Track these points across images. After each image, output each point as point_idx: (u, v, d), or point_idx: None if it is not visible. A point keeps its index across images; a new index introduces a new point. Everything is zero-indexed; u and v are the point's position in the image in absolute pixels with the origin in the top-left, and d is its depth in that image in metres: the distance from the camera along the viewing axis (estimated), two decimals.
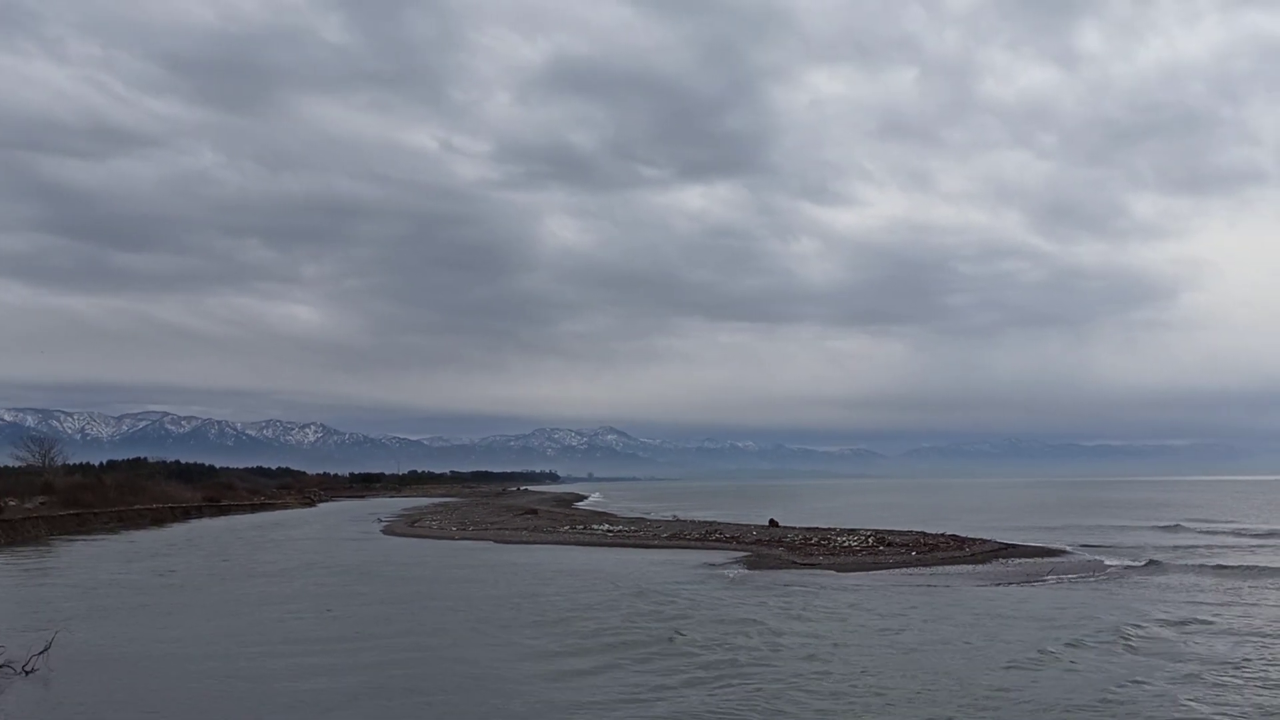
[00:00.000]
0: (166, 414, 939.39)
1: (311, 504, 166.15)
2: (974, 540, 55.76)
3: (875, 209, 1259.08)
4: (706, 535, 66.34)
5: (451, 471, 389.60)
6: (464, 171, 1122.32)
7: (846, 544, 55.24)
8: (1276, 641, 26.66)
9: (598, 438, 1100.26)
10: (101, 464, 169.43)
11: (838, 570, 45.67)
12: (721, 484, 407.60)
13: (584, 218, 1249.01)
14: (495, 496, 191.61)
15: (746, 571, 46.29)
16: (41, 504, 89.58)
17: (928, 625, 29.73)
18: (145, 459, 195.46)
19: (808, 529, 67.16)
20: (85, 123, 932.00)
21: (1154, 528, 76.03)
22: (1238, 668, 23.33)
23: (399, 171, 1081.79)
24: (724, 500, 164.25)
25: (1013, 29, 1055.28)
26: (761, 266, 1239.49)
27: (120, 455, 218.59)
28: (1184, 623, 29.46)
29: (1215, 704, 20.09)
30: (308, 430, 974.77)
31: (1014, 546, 53.49)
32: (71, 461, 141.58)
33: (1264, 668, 23.33)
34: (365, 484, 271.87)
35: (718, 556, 53.29)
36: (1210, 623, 29.60)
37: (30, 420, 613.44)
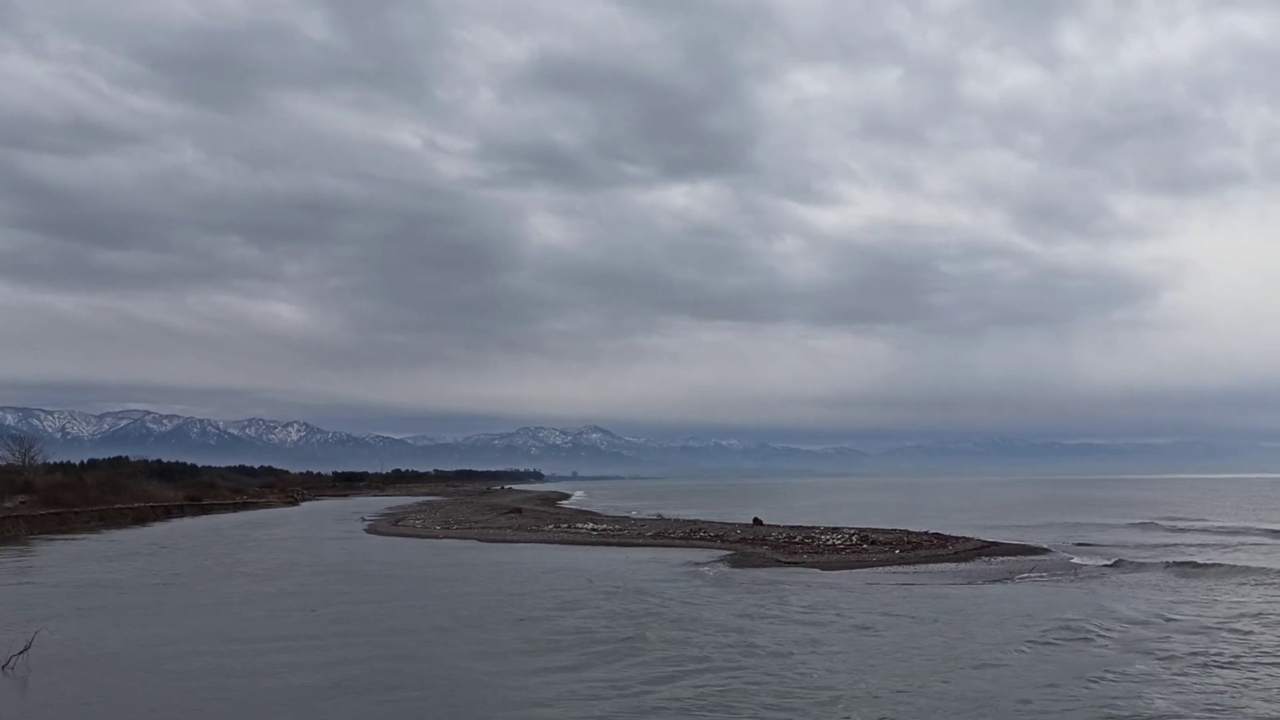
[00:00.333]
0: (148, 412, 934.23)
1: (294, 503, 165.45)
2: (957, 538, 55.99)
3: (859, 208, 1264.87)
4: (691, 534, 66.39)
5: (435, 470, 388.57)
6: (448, 170, 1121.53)
7: (830, 542, 55.39)
8: (1231, 636, 26.93)
9: (582, 436, 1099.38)
10: (82, 463, 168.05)
11: (821, 569, 45.81)
12: (706, 483, 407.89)
13: (568, 216, 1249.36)
14: (479, 495, 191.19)
15: (730, 570, 46.39)
16: (21, 503, 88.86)
17: (903, 623, 29.85)
18: (126, 458, 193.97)
19: (792, 527, 67.30)
20: (66, 119, 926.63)
21: (1129, 525, 76.51)
22: (1195, 663, 23.61)
23: (382, 170, 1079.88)
24: (708, 499, 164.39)
25: (996, 29, 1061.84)
26: (745, 265, 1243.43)
27: (101, 454, 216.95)
28: (1146, 621, 29.61)
29: (1172, 698, 20.36)
30: (290, 429, 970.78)
31: (996, 545, 53.74)
32: (52, 460, 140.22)
33: (1217, 662, 23.61)
34: (349, 483, 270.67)
35: (701, 555, 53.36)
36: (1173, 620, 29.80)
37: (10, 419, 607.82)
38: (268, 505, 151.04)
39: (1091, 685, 21.59)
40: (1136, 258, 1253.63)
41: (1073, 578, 40.97)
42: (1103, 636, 27.11)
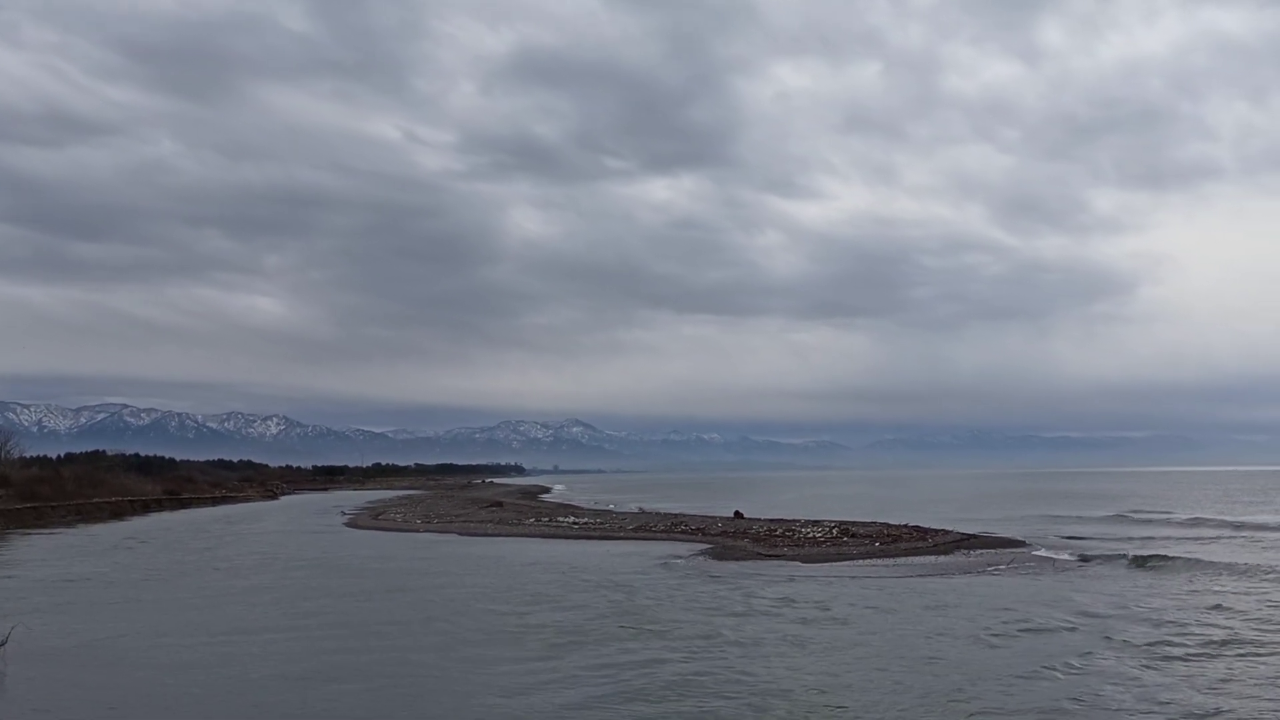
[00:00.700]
0: (125, 406, 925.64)
1: (274, 497, 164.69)
2: (936, 531, 56.37)
3: (839, 202, 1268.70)
4: (672, 527, 66.54)
5: (416, 464, 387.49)
6: (428, 162, 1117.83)
7: (810, 535, 55.64)
8: (1188, 629, 27.25)
9: (563, 430, 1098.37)
10: (59, 457, 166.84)
11: (802, 561, 46.01)
12: (687, 476, 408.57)
13: (549, 209, 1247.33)
14: (460, 489, 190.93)
15: (710, 563, 46.51)
16: None
17: (871, 616, 30.05)
18: (104, 452, 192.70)
19: (772, 520, 67.57)
20: (42, 110, 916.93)
21: (1102, 518, 77.30)
22: (1152, 655, 23.93)
23: (362, 162, 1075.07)
24: (689, 492, 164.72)
25: (976, 24, 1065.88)
26: (726, 259, 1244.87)
27: (78, 448, 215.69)
28: (1109, 614, 29.83)
29: (1128, 690, 20.57)
30: (270, 423, 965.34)
31: (974, 537, 54.14)
32: (28, 454, 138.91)
33: (1170, 655, 23.89)
34: (328, 476, 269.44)
35: (682, 548, 53.48)
36: (1134, 613, 30.10)
37: None
38: (246, 499, 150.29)
39: (1045, 677, 21.80)
40: (1114, 252, 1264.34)
41: (1044, 571, 41.34)
42: (1067, 630, 27.32)
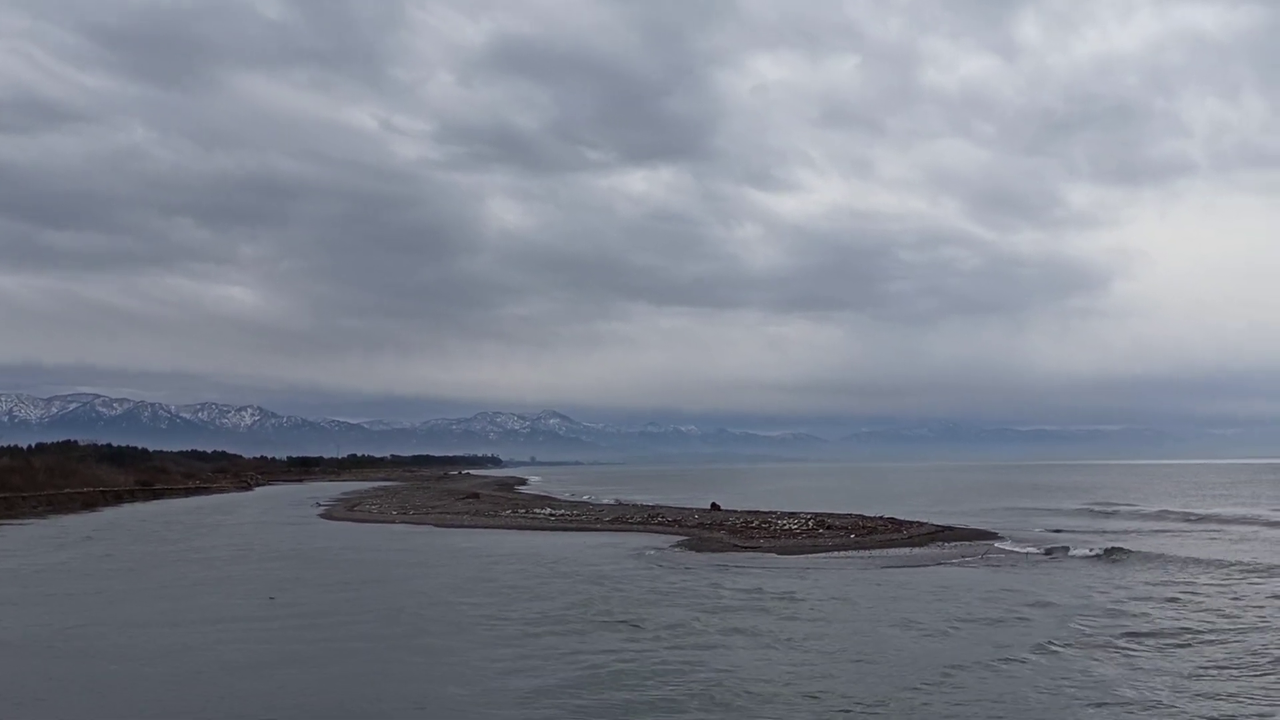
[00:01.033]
0: (97, 396, 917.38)
1: (248, 488, 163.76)
2: (911, 523, 56.64)
3: (817, 195, 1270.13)
4: (649, 519, 66.63)
5: (392, 455, 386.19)
6: (405, 152, 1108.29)
7: (787, 527, 55.83)
8: (1139, 618, 27.56)
9: (540, 422, 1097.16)
10: (30, 447, 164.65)
11: (778, 553, 46.16)
12: (664, 468, 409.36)
13: (527, 200, 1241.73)
14: (436, 480, 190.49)
15: (686, 554, 46.59)
16: None
17: (841, 607, 30.19)
18: (75, 442, 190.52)
19: (749, 512, 67.76)
20: (12, 96, 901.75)
21: (1073, 511, 77.85)
22: (1104, 644, 24.32)
23: (338, 151, 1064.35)
24: (667, 484, 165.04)
25: (954, 18, 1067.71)
26: (705, 251, 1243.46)
27: (50, 438, 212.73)
28: (1063, 605, 30.07)
29: (1073, 681, 20.77)
30: (244, 413, 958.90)
31: (949, 529, 54.43)
32: None
33: (1126, 647, 24.13)
34: (303, 468, 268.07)
35: (659, 540, 53.56)
36: (1091, 603, 30.42)
37: None
38: (221, 490, 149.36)
39: (993, 667, 22.00)
40: (1089, 247, 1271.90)
41: (1010, 564, 41.57)
42: (1023, 621, 27.45)
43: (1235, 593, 32.43)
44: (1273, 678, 20.63)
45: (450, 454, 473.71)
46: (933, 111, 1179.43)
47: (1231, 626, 26.25)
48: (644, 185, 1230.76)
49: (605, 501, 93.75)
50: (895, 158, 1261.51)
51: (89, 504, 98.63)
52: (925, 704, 19.08)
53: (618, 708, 19.24)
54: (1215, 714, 18.12)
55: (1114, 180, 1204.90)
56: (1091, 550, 44.71)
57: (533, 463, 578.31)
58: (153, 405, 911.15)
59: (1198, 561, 41.00)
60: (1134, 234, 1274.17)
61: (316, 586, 36.81)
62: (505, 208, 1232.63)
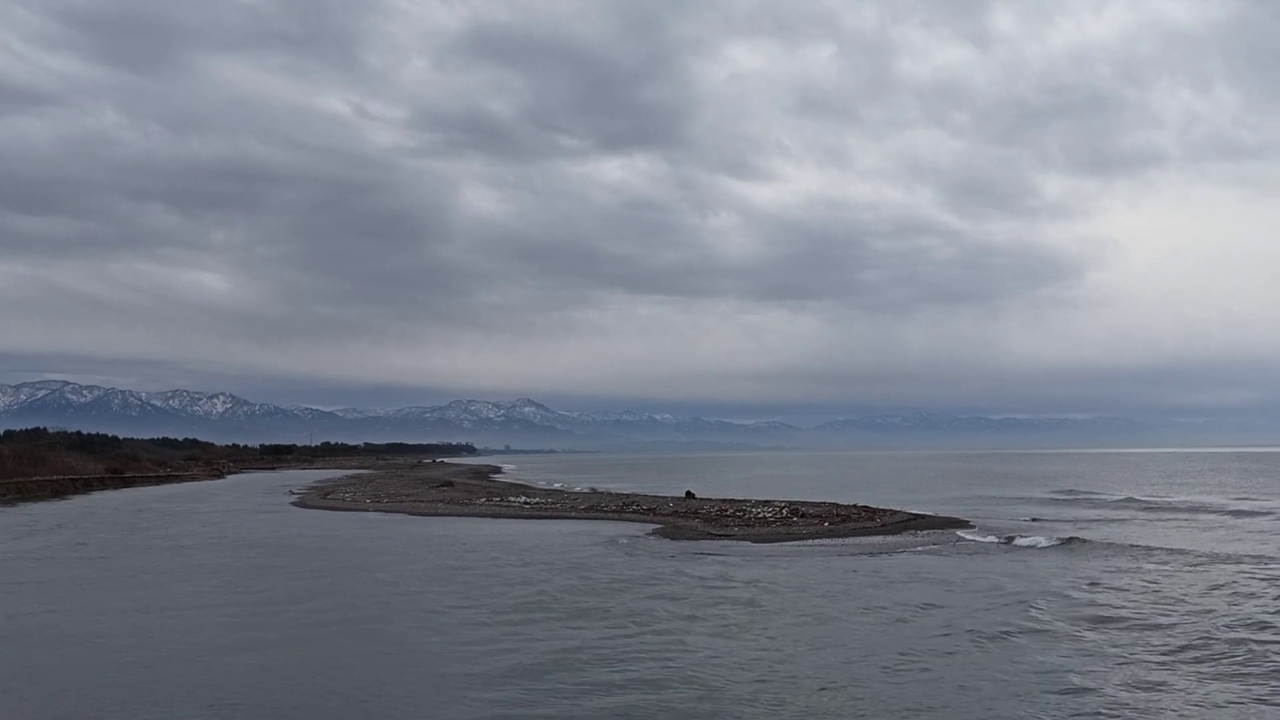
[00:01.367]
0: (67, 383, 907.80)
1: (220, 476, 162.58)
2: (884, 511, 57.06)
3: (792, 184, 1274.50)
4: (623, 507, 66.75)
5: (365, 443, 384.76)
6: (379, 138, 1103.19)
7: (761, 515, 56.09)
8: (1087, 606, 27.95)
9: (515, 410, 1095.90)
10: None
11: (752, 541, 46.37)
12: (639, 457, 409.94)
13: (501, 188, 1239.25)
14: (410, 469, 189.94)
15: (661, 542, 46.71)
16: None
17: (809, 595, 30.41)
18: (45, 429, 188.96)
19: (723, 501, 68.02)
20: None
21: (1040, 499, 78.80)
22: (1047, 629, 24.75)
23: (311, 137, 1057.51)
24: (642, 473, 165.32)
25: (928, 8, 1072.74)
26: (680, 240, 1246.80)
27: (18, 425, 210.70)
28: (1018, 592, 30.43)
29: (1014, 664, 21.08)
30: (216, 401, 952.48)
31: (922, 517, 54.89)
32: None
33: (1055, 630, 24.64)
34: (276, 456, 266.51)
35: (633, 528, 53.67)
36: (1046, 589, 30.88)
37: None
38: (192, 478, 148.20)
39: (947, 653, 22.30)
40: (1063, 237, 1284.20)
41: (974, 552, 42.00)
42: (985, 611, 27.65)
43: (1182, 581, 32.82)
44: (1206, 665, 20.96)
45: (424, 442, 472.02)
46: (907, 101, 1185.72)
47: (1171, 613, 26.57)
48: (619, 173, 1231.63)
49: (580, 490, 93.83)
50: (870, 147, 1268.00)
51: (59, 492, 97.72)
52: (872, 692, 19.25)
53: (568, 693, 19.31)
54: (1148, 702, 18.29)
55: (1087, 170, 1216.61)
56: (1052, 540, 45.24)
57: (507, 451, 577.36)
58: (123, 392, 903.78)
59: (1150, 550, 41.57)
60: (1106, 224, 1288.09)
61: (288, 574, 36.68)
62: (480, 195, 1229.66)
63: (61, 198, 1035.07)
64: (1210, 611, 26.73)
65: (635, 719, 17.84)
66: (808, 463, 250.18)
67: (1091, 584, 31.97)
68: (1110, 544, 44.00)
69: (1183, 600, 28.67)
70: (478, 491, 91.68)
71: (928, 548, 43.14)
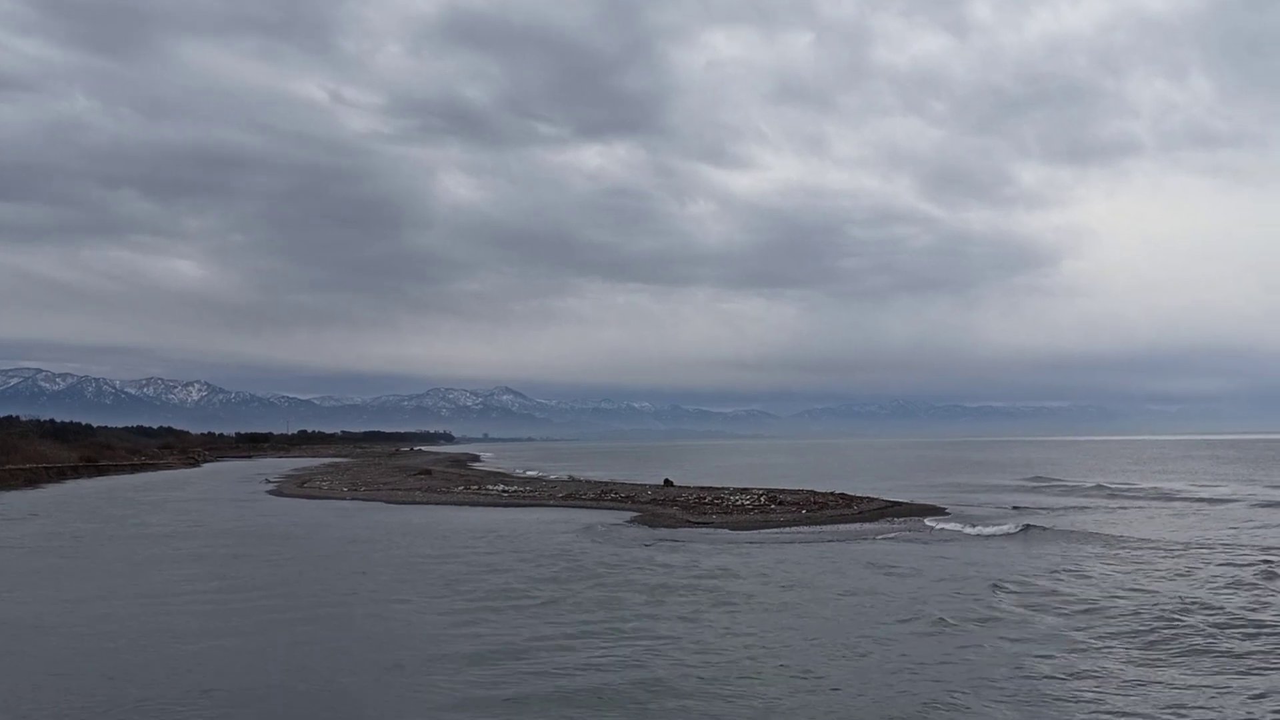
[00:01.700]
0: (40, 371, 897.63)
1: (195, 464, 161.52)
2: (861, 499, 57.41)
3: (771, 172, 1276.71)
4: (602, 495, 66.84)
5: (342, 431, 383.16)
6: (354, 124, 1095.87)
7: (739, 503, 56.33)
8: (1050, 592, 28.30)
9: (493, 398, 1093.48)
10: None
11: (730, 528, 46.59)
12: (618, 445, 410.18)
13: (479, 175, 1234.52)
14: (388, 457, 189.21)
15: (639, 530, 46.88)
16: None
17: (782, 582, 30.69)
18: (17, 417, 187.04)
19: (701, 488, 68.24)
20: None
21: (1013, 487, 79.45)
22: (1005, 613, 25.13)
23: (286, 123, 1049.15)
24: (620, 461, 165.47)
25: None
26: (659, 228, 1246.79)
27: None
28: (982, 578, 30.79)
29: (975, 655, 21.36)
30: (191, 389, 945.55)
31: (899, 504, 55.27)
32: None
33: (1015, 615, 24.91)
34: (252, 444, 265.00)
35: (611, 516, 53.80)
36: (1006, 574, 31.31)
37: None
38: (167, 467, 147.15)
39: (903, 639, 22.59)
40: (1039, 225, 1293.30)
41: (949, 539, 42.30)
42: (953, 597, 28.02)
43: (1144, 567, 33.10)
44: (1161, 649, 21.29)
45: (402, 430, 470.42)
46: (885, 89, 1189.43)
47: (1131, 598, 26.85)
48: (598, 160, 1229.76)
49: (558, 478, 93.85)
50: (848, 135, 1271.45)
51: (32, 480, 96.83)
52: (833, 675, 19.54)
53: (533, 679, 19.47)
54: (1102, 687, 18.56)
55: (1063, 159, 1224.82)
56: (1019, 526, 45.63)
57: (485, 439, 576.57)
58: (97, 380, 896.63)
59: (1116, 537, 41.99)
60: (1082, 213, 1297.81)
61: (263, 562, 36.64)
62: (457, 182, 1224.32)
63: (34, 184, 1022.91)
64: (1169, 596, 27.08)
65: (601, 703, 17.97)
66: (786, 450, 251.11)
67: (1053, 571, 32.30)
68: (1076, 531, 44.48)
69: (1142, 586, 28.99)
70: (455, 479, 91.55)
71: (901, 534, 43.56)
